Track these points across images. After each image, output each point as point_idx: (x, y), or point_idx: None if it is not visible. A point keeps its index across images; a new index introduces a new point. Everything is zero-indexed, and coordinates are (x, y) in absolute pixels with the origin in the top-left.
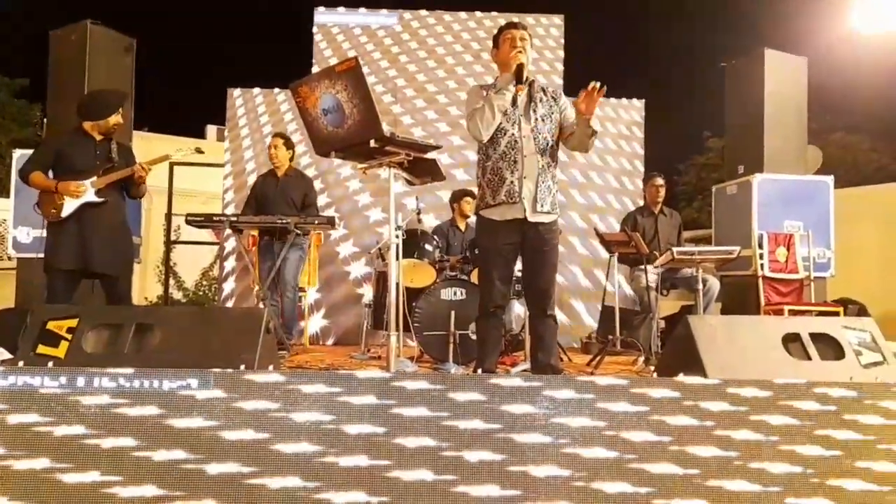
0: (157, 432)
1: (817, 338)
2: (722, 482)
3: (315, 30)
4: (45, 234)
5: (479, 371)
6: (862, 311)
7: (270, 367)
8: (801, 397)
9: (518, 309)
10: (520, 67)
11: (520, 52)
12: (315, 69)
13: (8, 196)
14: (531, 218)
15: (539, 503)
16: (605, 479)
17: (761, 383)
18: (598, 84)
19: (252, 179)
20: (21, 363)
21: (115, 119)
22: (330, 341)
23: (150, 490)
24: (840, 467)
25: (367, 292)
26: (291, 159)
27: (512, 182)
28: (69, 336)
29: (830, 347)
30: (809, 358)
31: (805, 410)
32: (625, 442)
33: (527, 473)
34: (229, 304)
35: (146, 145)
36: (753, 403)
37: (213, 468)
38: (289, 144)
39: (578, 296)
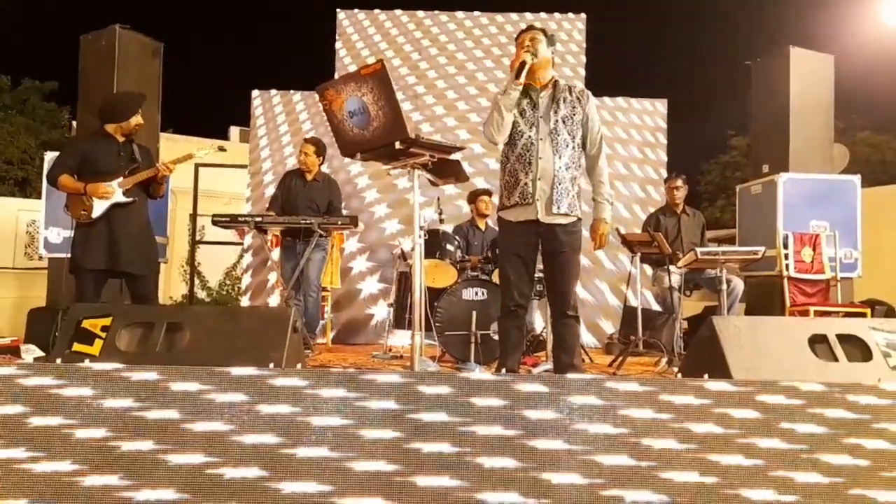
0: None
1: (844, 339)
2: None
3: (338, 38)
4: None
5: (503, 371)
6: (890, 312)
7: (298, 366)
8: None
9: (539, 309)
10: (522, 64)
11: (526, 51)
12: (337, 72)
13: (39, 197)
14: (545, 219)
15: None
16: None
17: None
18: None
19: (276, 180)
20: (58, 360)
21: (136, 120)
22: (326, 337)
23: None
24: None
25: (365, 288)
26: (321, 165)
27: (525, 183)
28: (103, 334)
29: (858, 349)
30: (836, 360)
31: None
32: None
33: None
34: (246, 297)
35: (172, 146)
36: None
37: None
38: (319, 151)
39: (608, 315)
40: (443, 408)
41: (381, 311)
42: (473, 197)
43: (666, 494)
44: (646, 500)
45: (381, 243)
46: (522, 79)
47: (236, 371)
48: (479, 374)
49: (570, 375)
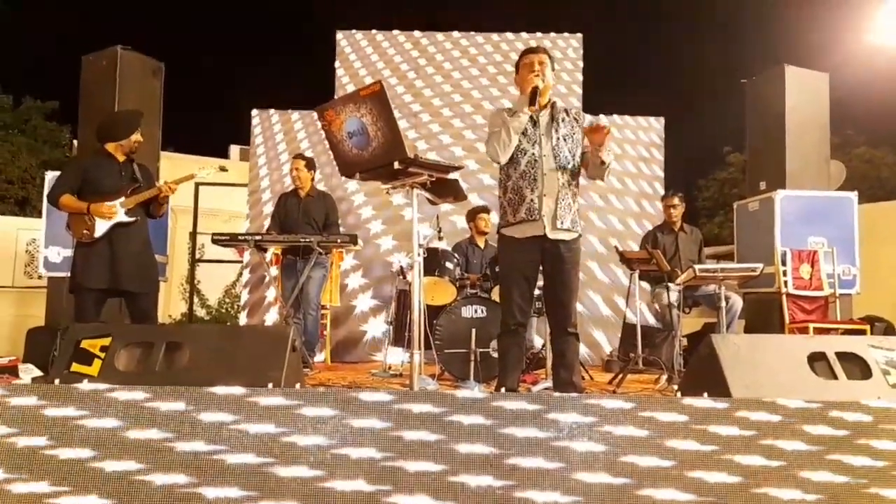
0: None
1: (843, 357)
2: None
3: (337, 59)
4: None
5: (502, 389)
6: (889, 330)
7: (297, 385)
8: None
9: (539, 327)
10: (534, 90)
11: (536, 75)
12: (336, 92)
13: (39, 216)
14: (551, 235)
15: None
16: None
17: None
18: (604, 124)
19: (274, 198)
20: (56, 381)
21: (136, 137)
22: (326, 356)
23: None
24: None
25: (359, 304)
26: (313, 180)
27: (532, 200)
28: (102, 354)
29: (857, 367)
30: (836, 377)
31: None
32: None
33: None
34: (244, 313)
35: (172, 165)
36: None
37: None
38: (310, 165)
39: (599, 325)
40: (428, 426)
41: (375, 328)
42: (472, 215)
43: None
44: None
45: (376, 260)
46: (537, 105)
47: (221, 391)
48: (467, 392)
49: (556, 394)
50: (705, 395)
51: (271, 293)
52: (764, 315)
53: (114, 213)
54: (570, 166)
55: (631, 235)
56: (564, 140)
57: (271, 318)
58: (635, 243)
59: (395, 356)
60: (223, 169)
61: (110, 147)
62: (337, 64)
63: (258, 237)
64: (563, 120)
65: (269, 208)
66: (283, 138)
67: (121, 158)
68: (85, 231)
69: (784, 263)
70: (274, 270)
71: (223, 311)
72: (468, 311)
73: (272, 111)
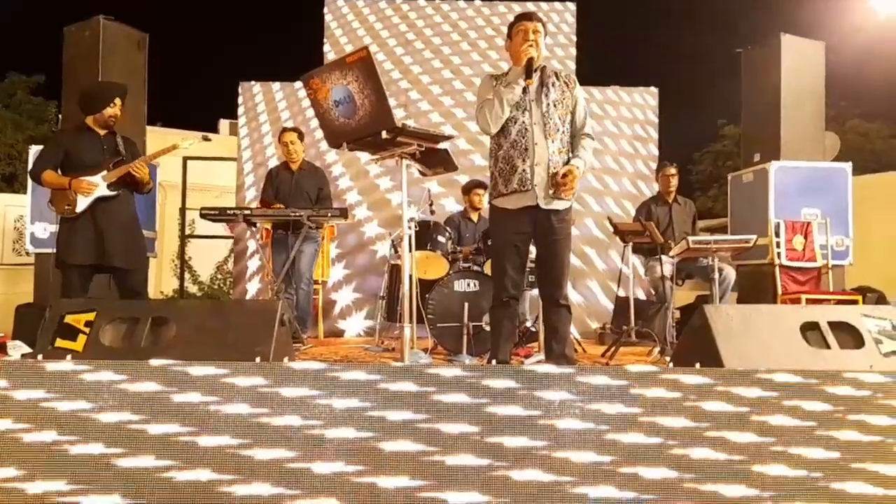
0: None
1: (836, 326)
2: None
3: (325, 32)
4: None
5: (493, 362)
6: (881, 300)
7: (285, 360)
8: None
9: (531, 300)
10: (530, 62)
11: (531, 45)
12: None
13: (25, 192)
14: (544, 205)
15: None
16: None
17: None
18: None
19: (258, 171)
20: (40, 357)
21: (110, 111)
22: (318, 331)
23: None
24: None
25: (333, 274)
26: (303, 152)
27: (524, 170)
28: (87, 330)
29: (850, 336)
30: (828, 347)
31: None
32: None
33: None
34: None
35: (160, 139)
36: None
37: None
38: (301, 137)
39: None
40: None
41: (345, 298)
42: (468, 189)
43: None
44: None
45: (350, 230)
46: (534, 78)
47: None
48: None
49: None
50: (698, 365)
51: (254, 263)
52: (757, 287)
53: (94, 187)
54: (559, 133)
55: (609, 193)
56: (555, 106)
57: (253, 288)
58: (613, 200)
59: (357, 326)
60: (206, 139)
61: (89, 120)
62: (326, 37)
63: (247, 211)
64: (553, 84)
65: (253, 180)
66: (264, 109)
67: (101, 132)
68: (67, 206)
69: (777, 235)
70: (253, 243)
71: (215, 287)
72: (461, 285)
73: (254, 82)
